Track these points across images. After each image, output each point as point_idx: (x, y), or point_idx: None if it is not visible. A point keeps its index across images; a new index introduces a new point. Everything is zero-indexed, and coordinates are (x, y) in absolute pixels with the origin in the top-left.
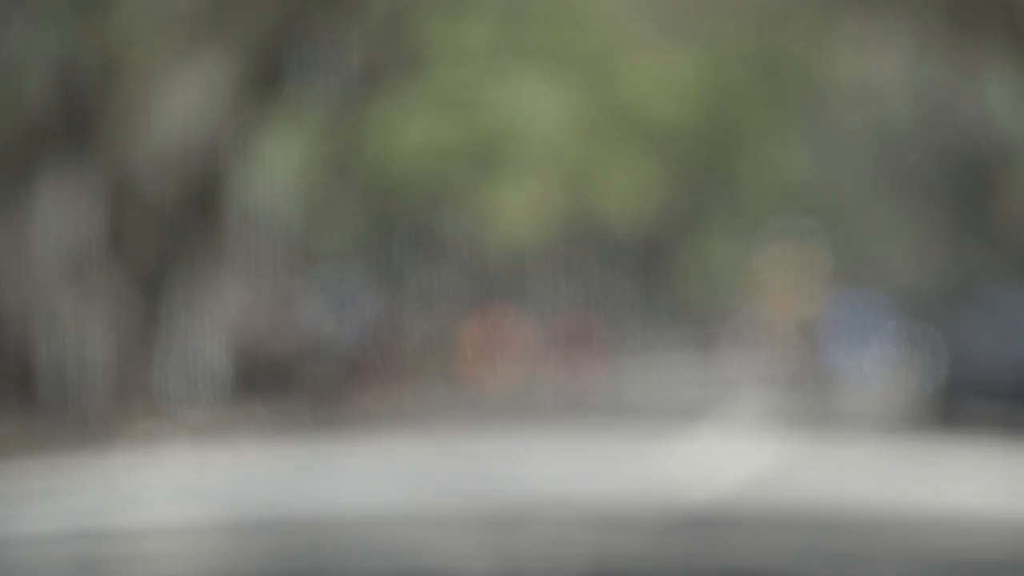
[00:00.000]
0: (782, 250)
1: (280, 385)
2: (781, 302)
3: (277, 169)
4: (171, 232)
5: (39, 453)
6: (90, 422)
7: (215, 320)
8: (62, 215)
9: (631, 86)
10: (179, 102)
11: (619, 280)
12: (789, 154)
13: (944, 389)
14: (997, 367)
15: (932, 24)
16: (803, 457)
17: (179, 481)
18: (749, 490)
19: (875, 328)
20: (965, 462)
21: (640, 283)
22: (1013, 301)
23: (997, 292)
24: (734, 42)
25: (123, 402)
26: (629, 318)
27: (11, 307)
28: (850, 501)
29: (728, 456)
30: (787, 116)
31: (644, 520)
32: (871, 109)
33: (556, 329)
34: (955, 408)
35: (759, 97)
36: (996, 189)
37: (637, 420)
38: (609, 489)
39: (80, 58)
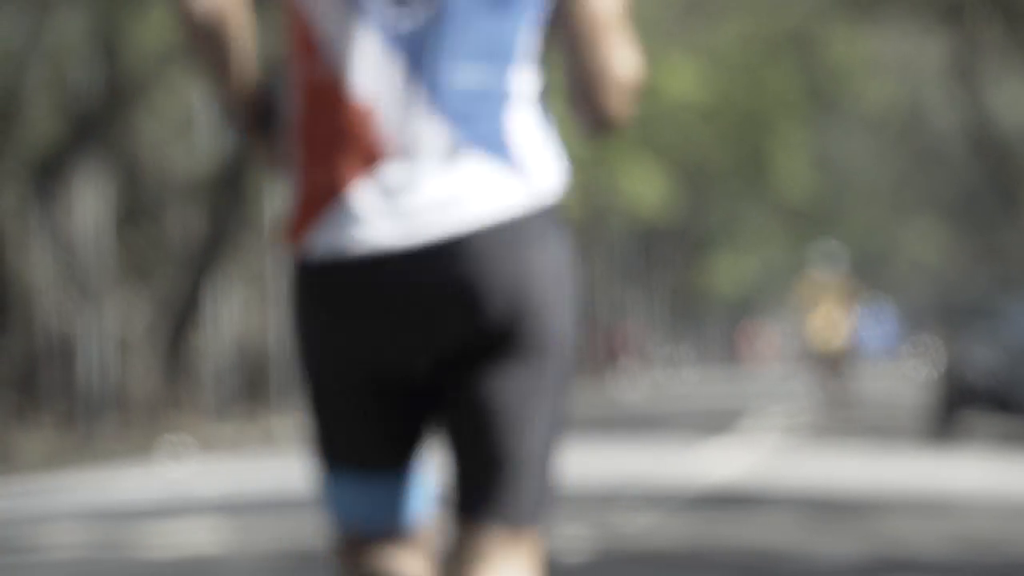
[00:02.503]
0: (815, 270)
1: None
2: (814, 319)
3: None
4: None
5: (69, 464)
6: (119, 434)
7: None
8: (89, 227)
9: (652, 96)
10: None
11: (641, 290)
12: (812, 171)
13: (947, 400)
14: (999, 379)
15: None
16: (813, 456)
17: (201, 488)
18: (759, 477)
19: (891, 342)
20: (964, 468)
21: (664, 293)
22: (1015, 314)
23: (1002, 305)
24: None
25: (154, 412)
26: (655, 329)
27: (38, 321)
28: (847, 488)
29: (744, 456)
30: (809, 134)
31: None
32: (892, 125)
33: (585, 339)
34: (957, 418)
35: (781, 111)
36: (1014, 205)
37: (664, 431)
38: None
39: (112, 53)
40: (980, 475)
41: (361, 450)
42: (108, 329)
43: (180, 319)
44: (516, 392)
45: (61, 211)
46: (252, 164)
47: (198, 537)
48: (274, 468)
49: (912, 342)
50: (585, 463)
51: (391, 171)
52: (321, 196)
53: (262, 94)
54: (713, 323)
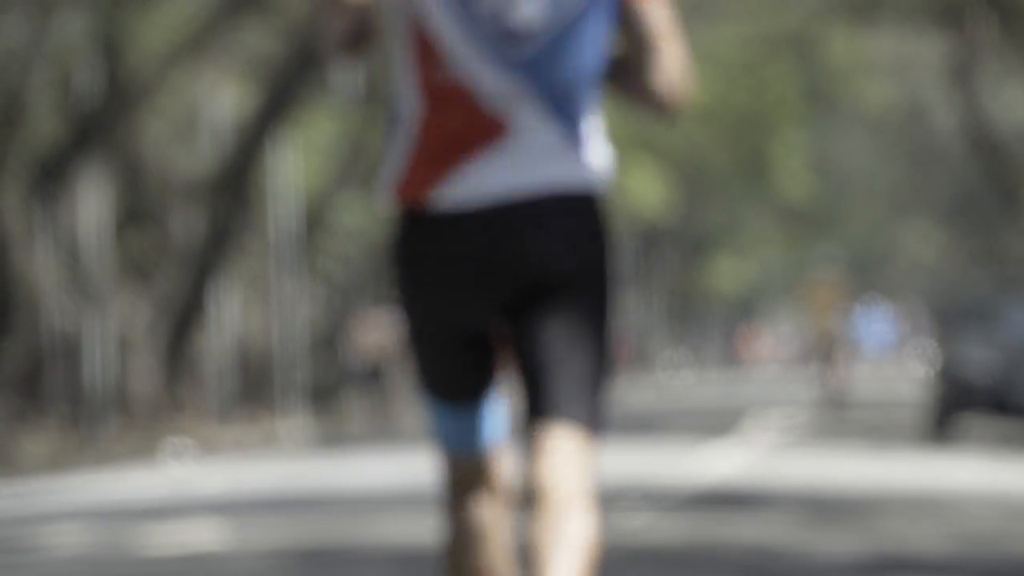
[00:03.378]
0: (816, 274)
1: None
2: (814, 321)
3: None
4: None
5: (72, 465)
6: (122, 435)
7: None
8: (92, 228)
9: None
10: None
11: (641, 292)
12: (811, 173)
13: (944, 400)
14: (996, 379)
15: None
16: (811, 456)
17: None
18: (758, 476)
19: (889, 342)
20: (961, 468)
21: (664, 294)
22: (1012, 315)
23: (999, 306)
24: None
25: (157, 414)
26: (655, 330)
27: (42, 322)
28: (845, 488)
29: (743, 455)
30: (808, 136)
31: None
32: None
33: None
34: (954, 419)
35: (781, 113)
36: (1012, 206)
37: (663, 431)
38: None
39: (114, 54)
40: (977, 474)
41: (451, 386)
42: (111, 330)
43: (182, 320)
44: (573, 325)
45: (64, 212)
46: (254, 165)
47: (200, 538)
48: (276, 469)
49: (909, 343)
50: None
51: (494, 152)
52: (438, 166)
53: (360, 21)
54: (712, 324)
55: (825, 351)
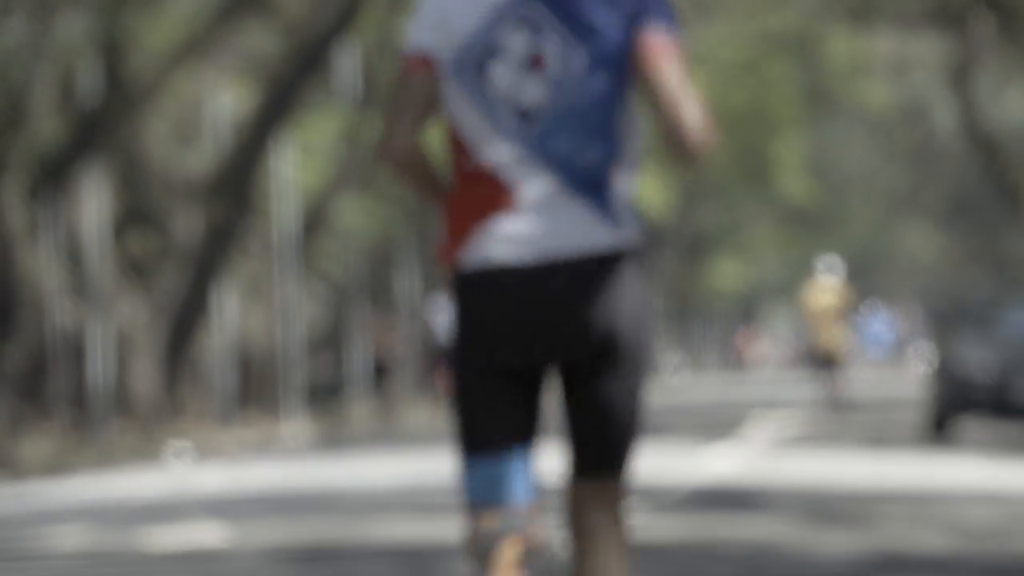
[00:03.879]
0: (817, 278)
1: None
2: (816, 323)
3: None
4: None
5: (75, 467)
6: (124, 437)
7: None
8: (93, 230)
9: None
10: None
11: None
12: (810, 174)
13: (943, 402)
14: (995, 381)
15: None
16: (811, 456)
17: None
18: (758, 476)
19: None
20: (960, 468)
21: (662, 296)
22: (1010, 316)
23: (998, 307)
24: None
25: (159, 416)
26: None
27: (44, 324)
28: (845, 487)
29: (743, 455)
30: (808, 137)
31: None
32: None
33: None
34: (953, 421)
35: (780, 114)
36: (1012, 208)
37: (664, 432)
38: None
39: (116, 56)
40: (976, 475)
41: (496, 431)
42: (113, 333)
43: (183, 321)
44: (613, 389)
45: (65, 213)
46: (255, 166)
47: (201, 539)
48: (277, 470)
49: (908, 344)
50: None
51: (521, 217)
52: (465, 229)
53: (444, 182)
54: (711, 325)
55: (827, 354)
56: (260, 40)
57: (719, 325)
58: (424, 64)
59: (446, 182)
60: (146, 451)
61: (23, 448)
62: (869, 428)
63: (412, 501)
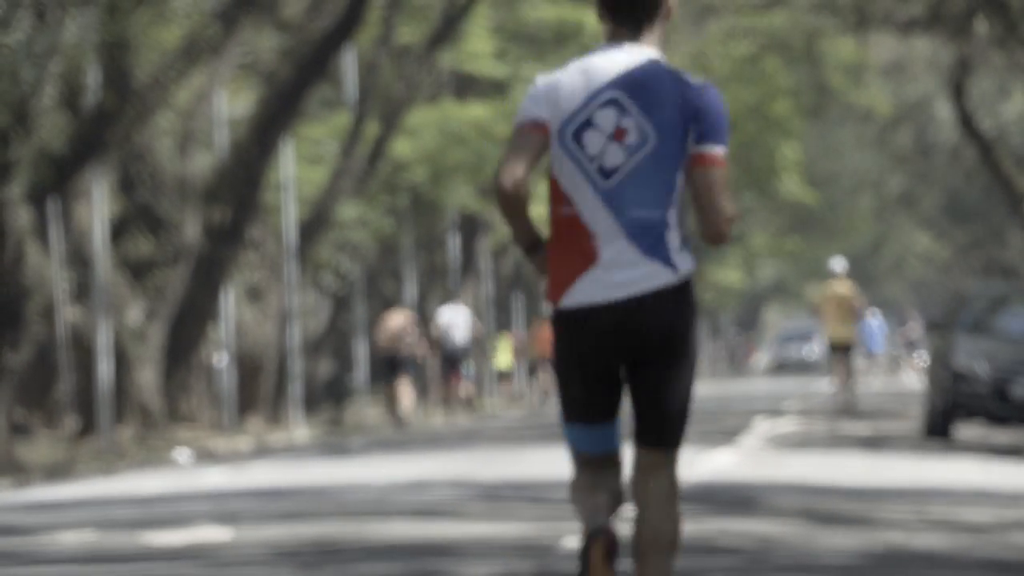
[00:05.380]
0: (828, 281)
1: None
2: (828, 327)
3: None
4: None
5: (78, 469)
6: (128, 440)
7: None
8: (96, 233)
9: None
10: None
11: None
12: (811, 175)
13: (943, 404)
14: (993, 382)
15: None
16: (812, 456)
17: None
18: (758, 475)
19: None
20: (959, 468)
21: None
22: (1010, 317)
23: (998, 310)
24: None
25: (164, 416)
26: None
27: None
28: (845, 487)
29: (744, 455)
30: (807, 138)
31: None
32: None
33: None
34: (952, 422)
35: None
36: (1012, 210)
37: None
38: None
39: (120, 58)
40: (976, 475)
41: (591, 409)
42: (116, 336)
43: (188, 325)
44: (664, 368)
45: (72, 216)
46: (258, 169)
47: (204, 541)
48: (280, 471)
49: (909, 345)
50: None
51: (604, 267)
52: (566, 277)
53: (534, 232)
54: (715, 330)
55: (842, 344)
56: (262, 43)
57: (723, 329)
58: (537, 127)
59: (535, 231)
60: (150, 453)
61: (28, 450)
62: (870, 429)
63: (413, 501)
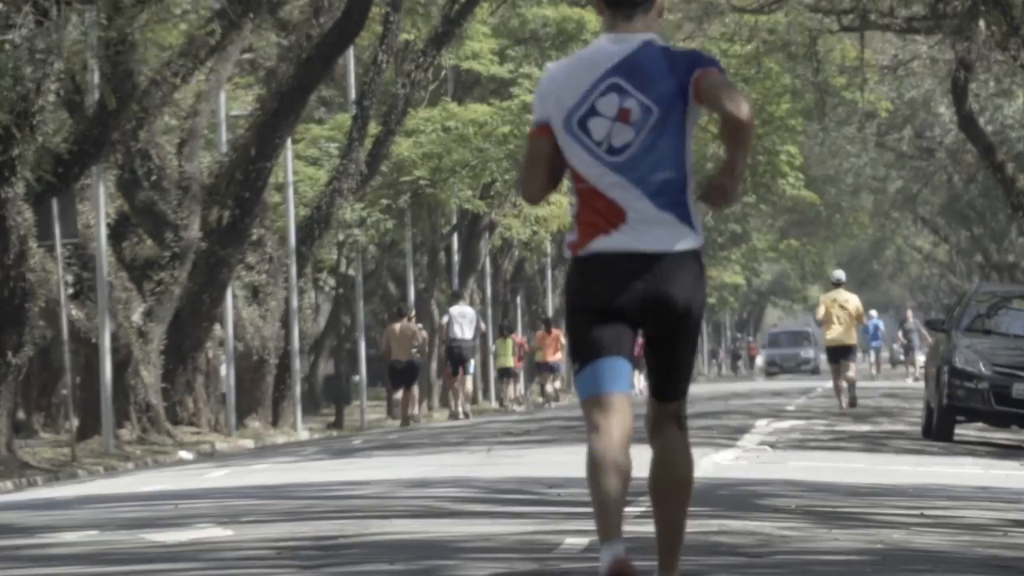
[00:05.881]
0: (832, 288)
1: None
2: (829, 329)
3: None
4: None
5: (81, 469)
6: (129, 439)
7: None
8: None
9: None
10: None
11: None
12: (811, 176)
13: (943, 404)
14: (992, 381)
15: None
16: (813, 455)
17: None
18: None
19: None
20: (959, 467)
21: None
22: (1011, 317)
23: (996, 308)
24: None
25: (165, 415)
26: None
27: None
28: (845, 486)
29: (745, 454)
30: (807, 138)
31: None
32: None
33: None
34: (953, 422)
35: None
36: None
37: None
38: None
39: (122, 54)
40: (976, 474)
41: (603, 347)
42: (119, 336)
43: (189, 324)
44: (680, 336)
45: (74, 216)
46: (258, 169)
47: (206, 540)
48: (282, 471)
49: (909, 346)
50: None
51: (625, 223)
52: (590, 233)
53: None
54: (716, 330)
55: (842, 349)
56: (265, 44)
57: (725, 329)
58: (544, 130)
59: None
60: (152, 452)
61: (30, 449)
62: (871, 429)
63: (413, 500)
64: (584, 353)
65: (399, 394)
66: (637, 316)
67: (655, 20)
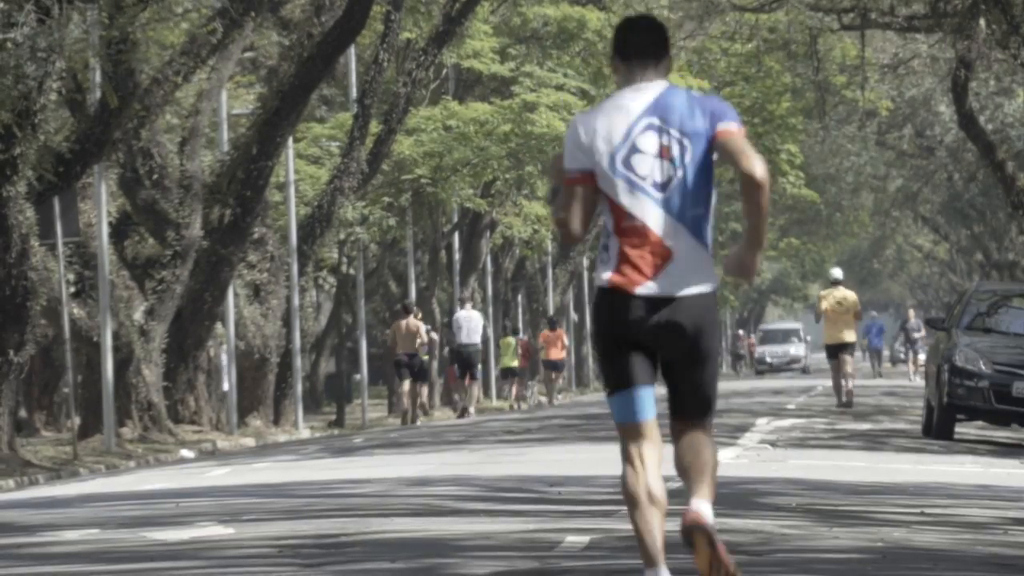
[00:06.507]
0: (830, 286)
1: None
2: (832, 324)
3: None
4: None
5: (82, 468)
6: (130, 437)
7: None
8: (99, 231)
9: None
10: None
11: None
12: (811, 175)
13: (943, 403)
14: (992, 380)
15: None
16: (813, 454)
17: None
18: (759, 472)
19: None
20: (959, 466)
21: None
22: (1011, 316)
23: (996, 307)
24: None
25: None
26: None
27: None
28: (845, 485)
29: (745, 453)
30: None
31: None
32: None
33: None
34: (953, 421)
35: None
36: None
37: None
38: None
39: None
40: (976, 473)
41: (635, 376)
42: (120, 334)
43: (190, 323)
44: (692, 360)
45: (75, 214)
46: (259, 168)
47: (206, 538)
48: (283, 470)
49: (909, 345)
50: (586, 461)
51: (672, 263)
52: (637, 272)
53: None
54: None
55: (840, 347)
56: (265, 42)
57: (724, 328)
58: (584, 177)
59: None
60: (153, 451)
61: (31, 448)
62: (871, 427)
63: (414, 499)
64: (614, 380)
65: (405, 386)
66: (651, 342)
67: (665, 75)
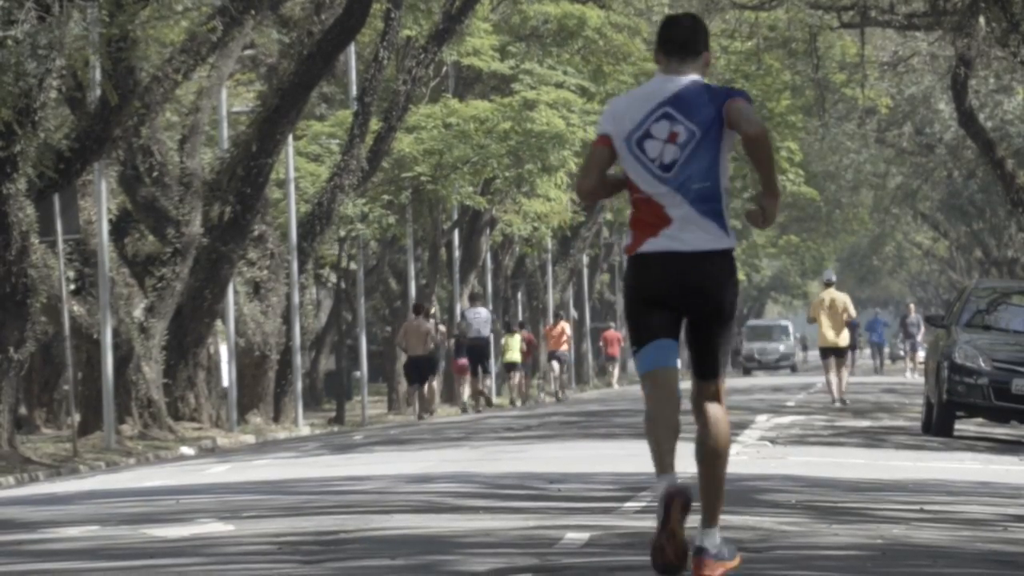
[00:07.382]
0: (825, 286)
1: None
2: (822, 326)
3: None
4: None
5: (82, 465)
6: (130, 435)
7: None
8: (99, 229)
9: None
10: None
11: None
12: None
13: (942, 401)
14: (992, 378)
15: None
16: (813, 453)
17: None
18: (759, 471)
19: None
20: (959, 464)
21: None
22: (1011, 315)
23: (996, 305)
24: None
25: (166, 412)
26: None
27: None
28: (845, 483)
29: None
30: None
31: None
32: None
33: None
34: (952, 419)
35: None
36: (1012, 207)
37: None
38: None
39: (123, 51)
40: (974, 469)
41: (654, 331)
42: (120, 331)
43: (190, 321)
44: (714, 322)
45: (75, 212)
46: (260, 166)
47: (206, 536)
48: (284, 468)
49: (909, 343)
50: (586, 458)
51: (671, 227)
52: (643, 236)
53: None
54: None
55: (835, 349)
56: (265, 40)
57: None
58: (605, 141)
59: (613, 190)
60: (153, 448)
61: (32, 445)
62: (870, 426)
63: (415, 498)
64: (640, 337)
65: (413, 390)
66: (679, 303)
67: (702, 69)
